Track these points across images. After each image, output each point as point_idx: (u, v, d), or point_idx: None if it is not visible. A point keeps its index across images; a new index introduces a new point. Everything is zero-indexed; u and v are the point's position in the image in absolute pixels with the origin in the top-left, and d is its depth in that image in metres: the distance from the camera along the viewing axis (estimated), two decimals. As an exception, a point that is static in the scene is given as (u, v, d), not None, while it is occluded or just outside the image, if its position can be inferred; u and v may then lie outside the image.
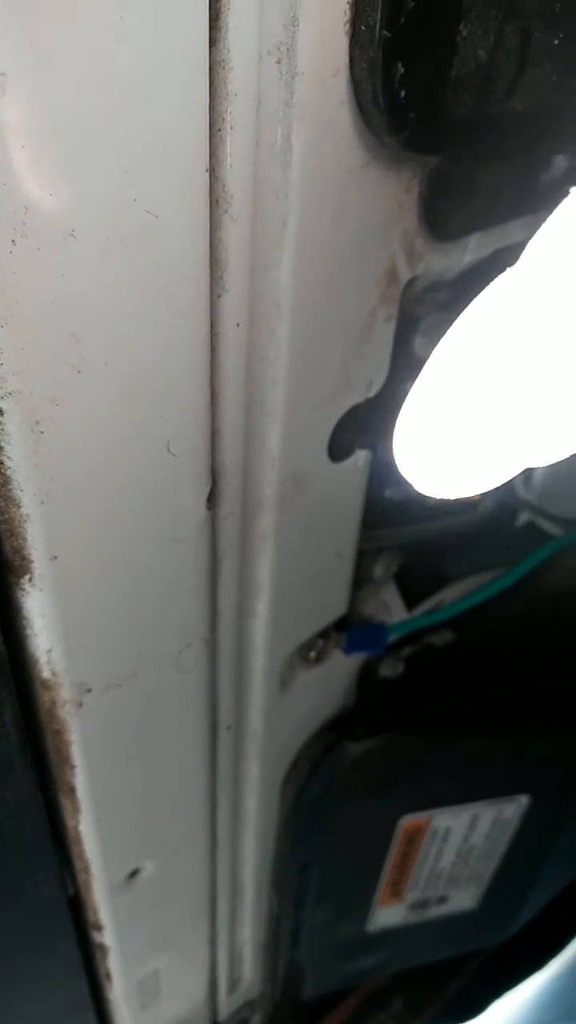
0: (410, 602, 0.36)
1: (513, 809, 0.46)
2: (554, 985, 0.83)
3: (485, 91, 0.18)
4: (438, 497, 0.21)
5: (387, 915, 0.50)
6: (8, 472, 0.19)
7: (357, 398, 0.26)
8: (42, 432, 0.19)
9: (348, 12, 0.18)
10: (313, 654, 0.33)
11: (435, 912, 0.52)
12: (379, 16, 0.17)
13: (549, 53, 0.18)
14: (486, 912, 0.54)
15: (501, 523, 0.37)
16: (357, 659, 0.36)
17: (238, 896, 0.41)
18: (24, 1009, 0.36)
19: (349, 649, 0.34)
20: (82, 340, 0.18)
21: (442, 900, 0.51)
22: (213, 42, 0.16)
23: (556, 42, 0.18)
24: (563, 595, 0.40)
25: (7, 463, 0.19)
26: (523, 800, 0.45)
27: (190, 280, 0.19)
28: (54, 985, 0.36)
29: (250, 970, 0.49)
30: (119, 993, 0.38)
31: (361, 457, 0.28)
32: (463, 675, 0.39)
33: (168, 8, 0.15)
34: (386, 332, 0.25)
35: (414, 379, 0.30)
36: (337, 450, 0.26)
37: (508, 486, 0.37)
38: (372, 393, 0.26)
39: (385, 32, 0.18)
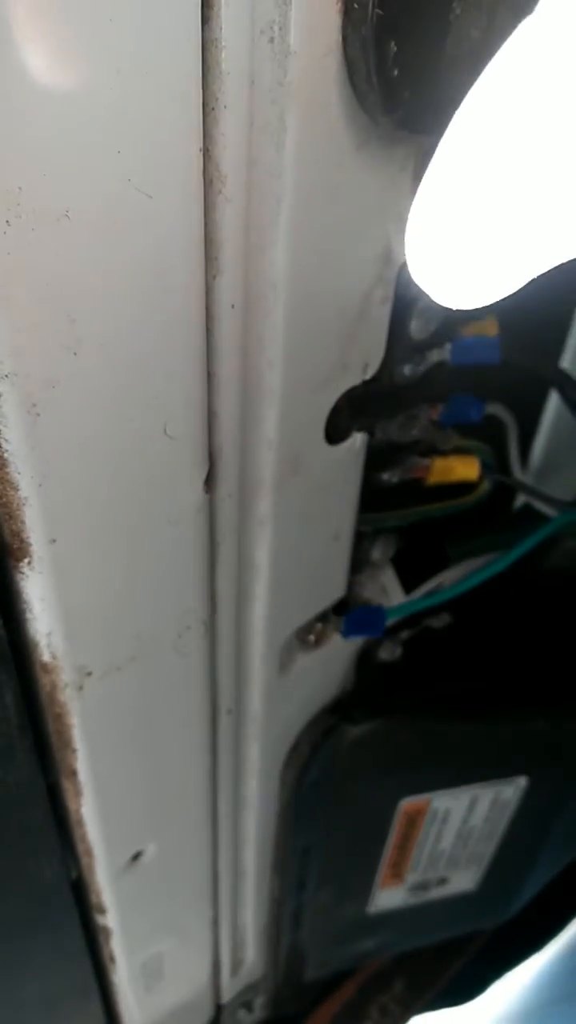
0: (408, 585, 0.37)
1: (512, 791, 0.46)
2: (554, 966, 0.83)
3: (478, 70, 0.18)
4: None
5: (388, 897, 0.50)
6: (6, 455, 0.19)
7: (353, 380, 0.26)
8: (39, 414, 0.19)
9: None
10: (312, 637, 0.33)
11: (436, 894, 0.52)
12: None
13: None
14: (486, 893, 0.55)
15: (499, 505, 0.37)
16: (355, 643, 0.36)
17: (240, 879, 0.41)
18: (28, 992, 0.36)
19: (347, 632, 0.34)
20: (77, 322, 0.18)
21: (442, 882, 0.51)
22: (205, 20, 0.16)
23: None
24: (562, 576, 0.41)
25: (4, 446, 0.19)
26: (522, 781, 0.45)
27: (185, 261, 0.19)
28: (58, 968, 0.36)
29: (253, 953, 0.49)
30: (123, 976, 0.39)
31: (358, 439, 0.28)
32: (461, 658, 0.39)
33: None
34: (382, 314, 0.25)
35: (410, 362, 0.30)
36: (334, 432, 0.26)
37: (505, 467, 0.37)
38: (368, 375, 0.26)
39: (378, 10, 0.18)
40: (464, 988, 0.74)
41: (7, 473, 0.20)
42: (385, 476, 0.33)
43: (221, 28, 0.17)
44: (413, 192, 0.22)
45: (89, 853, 0.31)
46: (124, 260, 0.18)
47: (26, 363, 0.18)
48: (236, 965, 0.49)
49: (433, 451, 0.34)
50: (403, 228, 0.23)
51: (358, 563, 0.34)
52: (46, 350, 0.18)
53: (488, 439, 0.35)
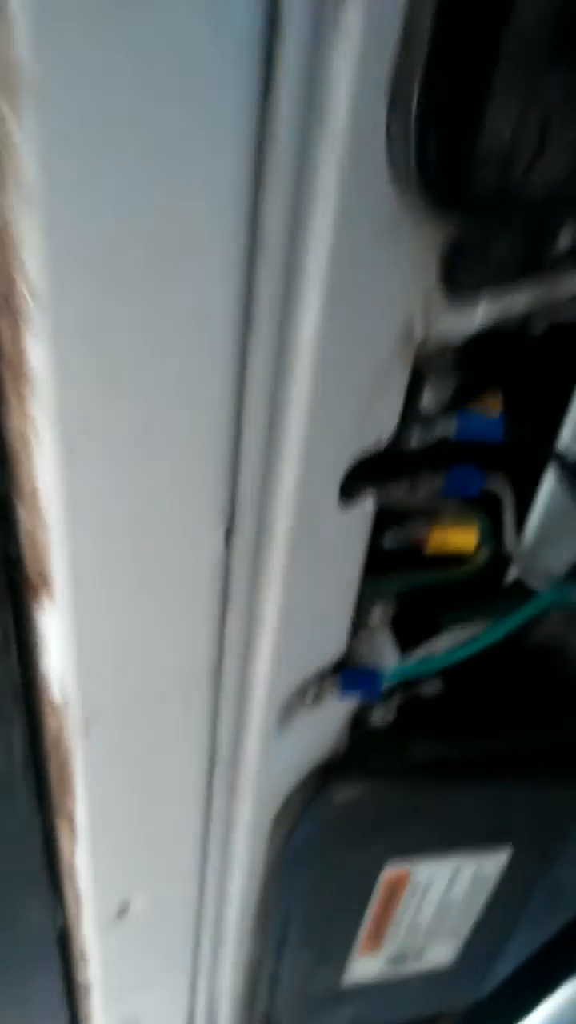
0: (404, 649, 0.37)
1: (493, 864, 0.46)
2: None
3: (505, 167, 0.20)
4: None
5: (365, 966, 0.50)
6: (41, 500, 0.20)
7: (367, 446, 0.27)
8: (76, 465, 0.20)
9: (389, 73, 0.19)
10: (311, 695, 0.34)
11: (412, 967, 0.52)
12: (417, 83, 0.19)
13: (564, 142, 0.20)
14: (462, 968, 0.54)
15: (492, 576, 0.38)
16: (350, 705, 0.37)
17: (221, 941, 0.41)
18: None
19: (344, 688, 0.35)
20: (122, 366, 0.19)
21: (419, 954, 0.51)
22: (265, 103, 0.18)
23: (571, 133, 0.20)
24: (551, 649, 0.42)
25: (41, 490, 0.20)
26: (504, 854, 0.45)
27: (224, 317, 0.20)
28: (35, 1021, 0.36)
29: (226, 1021, 0.49)
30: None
31: (368, 503, 0.29)
32: (451, 725, 0.39)
33: (217, 75, 0.17)
34: (399, 386, 0.26)
35: (418, 432, 0.32)
36: (346, 493, 0.28)
37: (499, 539, 0.38)
38: (381, 444, 0.28)
39: (422, 97, 0.20)
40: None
41: (40, 515, 0.21)
42: (386, 541, 0.34)
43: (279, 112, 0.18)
44: (438, 273, 0.23)
45: (78, 902, 0.31)
46: (164, 303, 0.19)
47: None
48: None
49: (432, 519, 0.35)
50: (425, 307, 0.25)
51: (356, 625, 0.35)
52: (81, 391, 0.19)
53: (485, 508, 0.37)
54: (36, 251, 0.17)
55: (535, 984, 0.73)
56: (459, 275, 0.23)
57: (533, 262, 0.25)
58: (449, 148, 0.20)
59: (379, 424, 0.27)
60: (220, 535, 0.24)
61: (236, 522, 0.25)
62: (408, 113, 0.19)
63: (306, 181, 0.20)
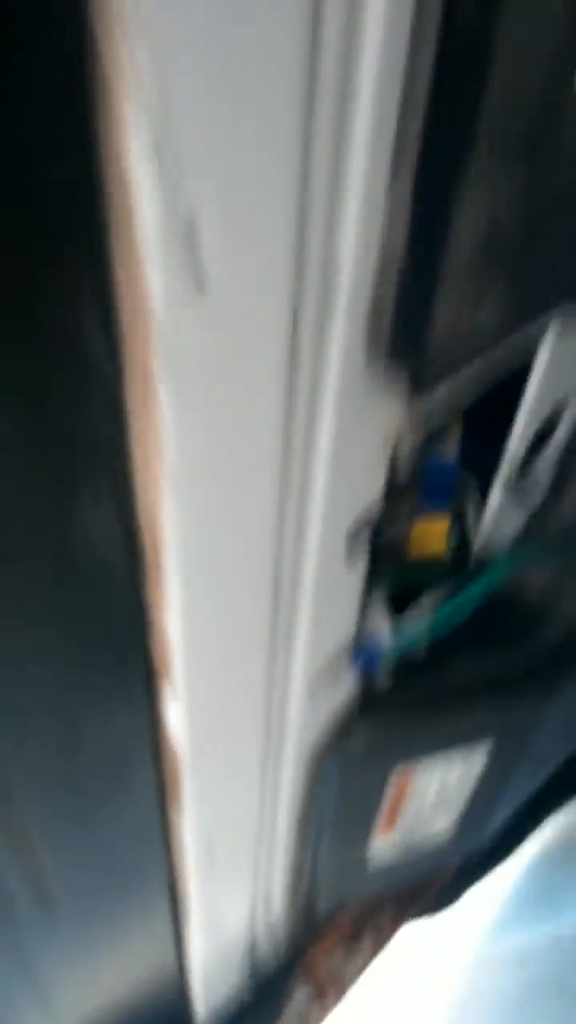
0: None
1: (479, 751, 0.59)
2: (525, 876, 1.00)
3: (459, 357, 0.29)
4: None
5: (383, 841, 0.63)
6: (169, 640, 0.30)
7: (360, 515, 0.37)
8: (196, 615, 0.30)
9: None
10: (331, 673, 0.45)
11: (419, 836, 0.66)
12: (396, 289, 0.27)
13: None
14: (459, 833, 0.68)
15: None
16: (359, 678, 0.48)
17: (275, 842, 0.54)
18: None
19: (355, 662, 0.46)
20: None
21: (424, 827, 0.65)
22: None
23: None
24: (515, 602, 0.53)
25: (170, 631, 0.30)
26: (487, 742, 0.58)
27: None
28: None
29: (279, 893, 0.62)
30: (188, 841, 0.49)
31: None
32: (438, 673, 0.51)
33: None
34: (382, 475, 0.36)
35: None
36: (350, 548, 0.38)
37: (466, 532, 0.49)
38: (372, 512, 0.37)
39: (398, 307, 0.28)
40: (443, 900, 0.90)
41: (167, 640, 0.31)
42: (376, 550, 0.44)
43: (302, 347, 0.27)
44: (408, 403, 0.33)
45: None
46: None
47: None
48: (267, 911, 0.62)
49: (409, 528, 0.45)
50: (400, 429, 0.34)
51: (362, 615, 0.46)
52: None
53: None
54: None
55: (519, 827, 0.89)
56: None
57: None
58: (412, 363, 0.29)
59: (369, 498, 0.36)
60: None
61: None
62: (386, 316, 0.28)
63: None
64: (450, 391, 0.34)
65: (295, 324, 0.24)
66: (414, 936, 0.90)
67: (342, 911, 0.82)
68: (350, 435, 0.30)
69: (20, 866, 0.31)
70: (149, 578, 0.27)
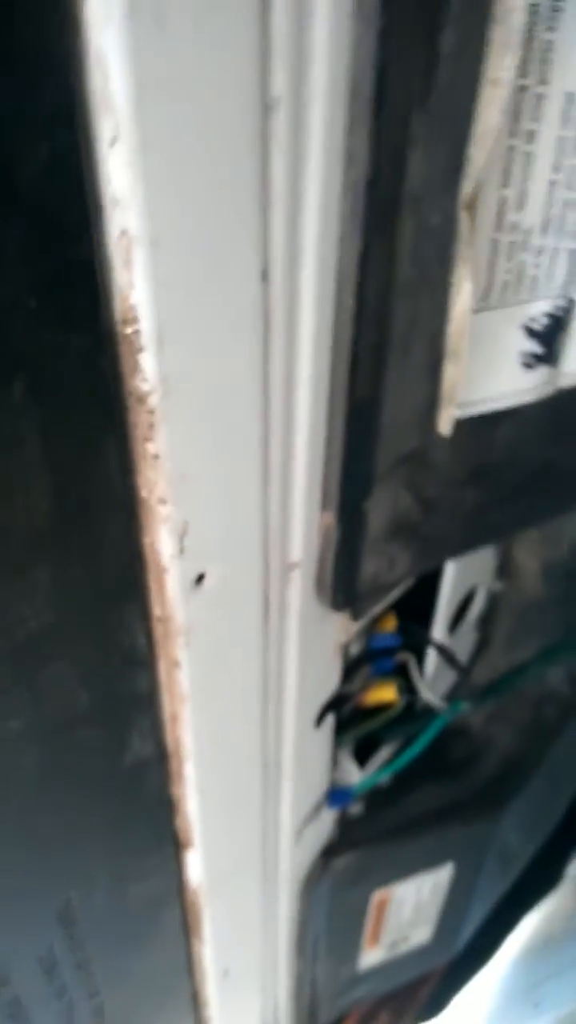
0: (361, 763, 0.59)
1: (444, 872, 0.68)
2: (507, 977, 1.07)
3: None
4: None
5: (371, 955, 0.72)
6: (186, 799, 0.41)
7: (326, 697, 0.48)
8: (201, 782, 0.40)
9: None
10: (313, 812, 0.55)
11: (403, 948, 0.74)
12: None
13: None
14: (438, 939, 0.77)
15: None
16: (335, 812, 0.58)
17: (277, 964, 0.63)
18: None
19: (331, 803, 0.57)
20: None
21: (406, 939, 0.74)
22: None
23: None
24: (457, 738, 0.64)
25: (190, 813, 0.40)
26: (450, 865, 0.68)
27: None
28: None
29: (285, 1012, 0.70)
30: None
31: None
32: (401, 800, 0.61)
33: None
34: (337, 667, 0.47)
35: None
36: (318, 721, 0.49)
37: (413, 688, 0.60)
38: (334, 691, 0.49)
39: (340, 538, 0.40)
40: (433, 1006, 0.97)
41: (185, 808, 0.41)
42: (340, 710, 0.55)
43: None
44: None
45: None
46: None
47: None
48: (277, 1014, 0.70)
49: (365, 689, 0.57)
50: (347, 631, 0.45)
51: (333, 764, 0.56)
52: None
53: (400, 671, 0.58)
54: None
55: (495, 932, 0.98)
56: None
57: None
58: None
59: (330, 686, 0.48)
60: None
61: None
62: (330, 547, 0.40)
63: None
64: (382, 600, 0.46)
65: (267, 602, 0.36)
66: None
67: (343, 1019, 0.89)
68: (311, 648, 0.42)
69: (82, 988, 0.40)
70: (174, 776, 0.38)
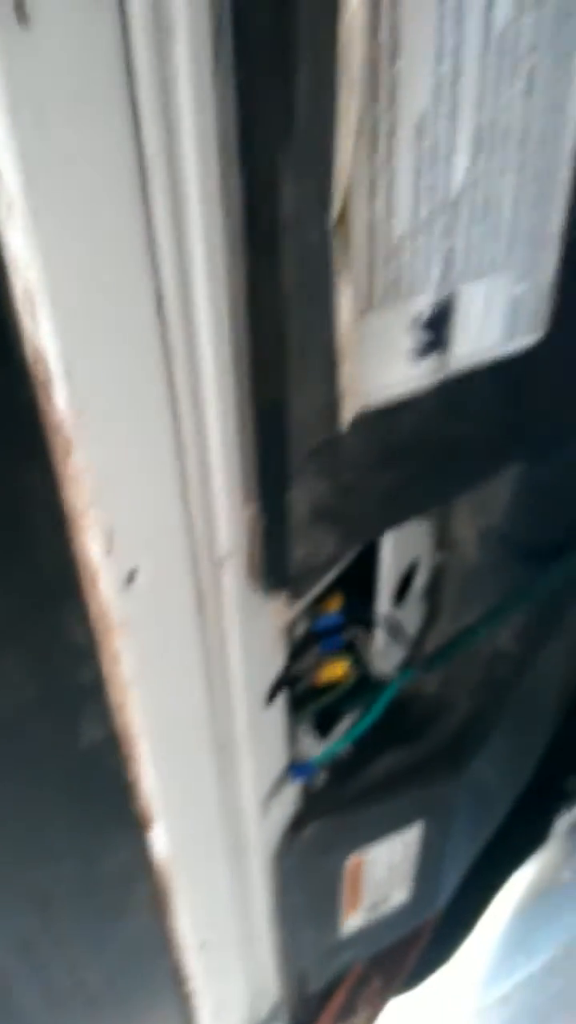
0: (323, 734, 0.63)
1: (414, 831, 0.72)
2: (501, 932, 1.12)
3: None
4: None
5: (352, 920, 0.76)
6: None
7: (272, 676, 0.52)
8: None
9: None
10: (279, 785, 0.59)
11: (383, 909, 0.78)
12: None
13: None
14: (417, 898, 0.81)
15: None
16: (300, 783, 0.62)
17: (258, 936, 0.66)
18: None
19: (294, 776, 0.60)
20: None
21: (385, 900, 0.78)
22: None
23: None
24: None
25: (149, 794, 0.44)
26: (418, 825, 0.72)
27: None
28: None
29: (273, 981, 0.74)
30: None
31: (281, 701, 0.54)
32: (365, 770, 0.65)
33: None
34: (282, 648, 0.51)
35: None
36: (270, 698, 0.52)
37: (363, 662, 0.64)
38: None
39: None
40: (422, 971, 1.01)
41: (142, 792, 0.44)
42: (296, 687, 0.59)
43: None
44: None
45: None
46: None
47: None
48: (266, 994, 0.74)
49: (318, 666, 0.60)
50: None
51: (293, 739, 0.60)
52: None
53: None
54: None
55: (483, 889, 1.02)
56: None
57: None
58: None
59: (276, 666, 0.51)
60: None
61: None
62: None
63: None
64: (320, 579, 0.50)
65: (200, 592, 0.39)
66: (403, 1005, 1.01)
67: (337, 988, 0.93)
68: (251, 631, 0.45)
69: (61, 964, 0.44)
70: (128, 759, 0.41)
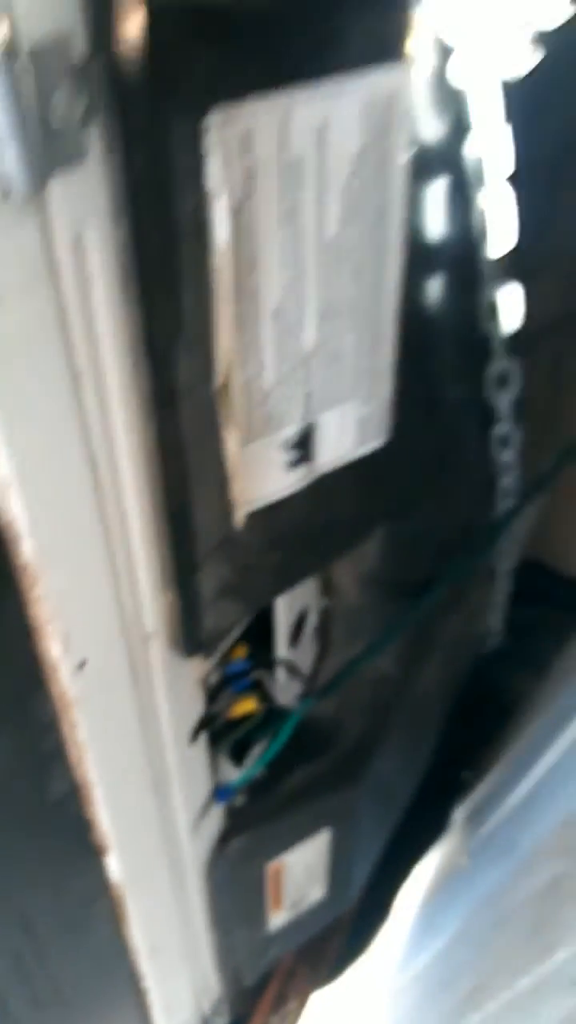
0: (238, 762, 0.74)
1: (323, 836, 0.84)
2: (410, 918, 1.24)
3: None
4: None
5: (277, 917, 0.87)
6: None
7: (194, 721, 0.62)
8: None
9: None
10: (205, 810, 0.69)
11: (303, 906, 0.90)
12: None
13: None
14: (332, 893, 0.93)
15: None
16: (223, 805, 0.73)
17: (197, 936, 0.77)
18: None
19: (218, 799, 0.71)
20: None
21: (304, 898, 0.89)
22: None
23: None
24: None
25: (104, 826, 0.54)
26: (327, 830, 0.84)
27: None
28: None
29: (214, 980, 0.85)
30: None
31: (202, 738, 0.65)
32: (277, 789, 0.77)
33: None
34: (200, 693, 0.61)
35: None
36: (193, 738, 0.63)
37: (269, 696, 0.75)
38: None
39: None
40: (344, 960, 1.13)
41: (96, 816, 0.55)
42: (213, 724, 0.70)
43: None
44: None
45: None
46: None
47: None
48: (208, 991, 0.84)
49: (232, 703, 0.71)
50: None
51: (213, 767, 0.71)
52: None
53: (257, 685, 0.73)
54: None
55: (386, 894, 1.15)
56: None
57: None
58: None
59: (196, 710, 0.62)
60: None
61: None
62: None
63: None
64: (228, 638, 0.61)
65: (133, 665, 0.50)
66: (326, 996, 1.13)
67: (267, 981, 1.04)
68: (175, 686, 0.56)
69: (42, 973, 0.53)
70: (86, 802, 0.51)
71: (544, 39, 0.41)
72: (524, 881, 0.88)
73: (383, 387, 0.53)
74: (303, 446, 0.51)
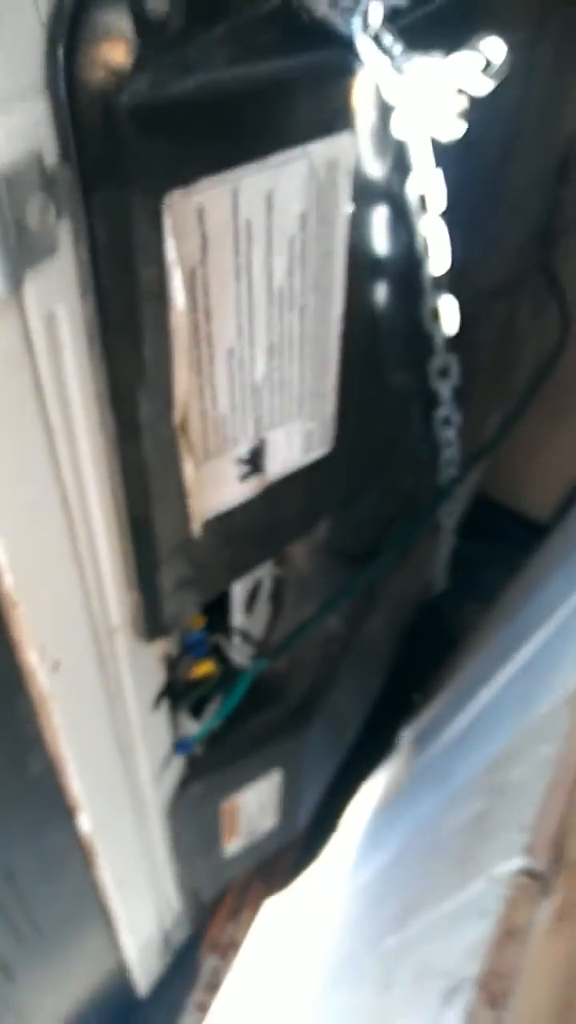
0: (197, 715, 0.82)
1: (275, 776, 0.93)
2: (355, 836, 1.35)
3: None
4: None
5: (232, 845, 0.97)
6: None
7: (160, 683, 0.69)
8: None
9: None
10: (171, 757, 0.77)
11: (258, 834, 0.99)
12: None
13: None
14: (283, 823, 1.03)
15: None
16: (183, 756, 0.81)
17: (161, 864, 0.86)
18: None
19: (178, 750, 0.79)
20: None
21: (257, 828, 0.98)
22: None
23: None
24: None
25: (76, 791, 0.61)
26: (278, 771, 0.92)
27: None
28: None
29: (176, 898, 0.94)
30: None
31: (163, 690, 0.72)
32: (232, 739, 0.85)
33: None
34: (163, 665, 0.68)
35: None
36: (156, 703, 0.70)
37: (226, 660, 0.82)
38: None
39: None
40: (295, 873, 1.24)
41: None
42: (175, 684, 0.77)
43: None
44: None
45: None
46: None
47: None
48: (170, 910, 0.94)
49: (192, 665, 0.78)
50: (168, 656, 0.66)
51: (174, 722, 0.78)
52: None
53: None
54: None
55: (341, 799, 1.24)
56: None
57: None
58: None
59: (158, 680, 0.69)
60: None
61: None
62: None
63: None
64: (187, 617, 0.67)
65: (101, 655, 0.56)
66: (279, 902, 1.24)
67: (223, 895, 1.15)
68: (139, 666, 0.63)
69: (22, 913, 0.61)
70: (59, 772, 0.59)
71: (472, 106, 0.46)
72: (453, 813, 0.97)
73: (328, 406, 0.58)
74: (254, 461, 0.57)
